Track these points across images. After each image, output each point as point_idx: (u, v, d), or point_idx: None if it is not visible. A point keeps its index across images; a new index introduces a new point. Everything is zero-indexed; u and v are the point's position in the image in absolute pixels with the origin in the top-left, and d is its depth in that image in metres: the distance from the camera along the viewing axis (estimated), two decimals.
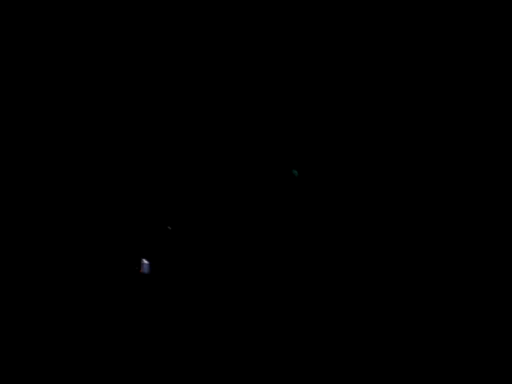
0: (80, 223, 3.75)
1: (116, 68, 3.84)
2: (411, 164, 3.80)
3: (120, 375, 3.55)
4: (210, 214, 3.78)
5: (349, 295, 3.71)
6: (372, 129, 3.81)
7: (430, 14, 3.77)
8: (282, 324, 3.68)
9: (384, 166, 3.81)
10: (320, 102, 3.83)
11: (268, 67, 3.83)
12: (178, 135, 3.84)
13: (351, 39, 3.81)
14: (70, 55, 3.84)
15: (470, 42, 3.77)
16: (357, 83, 3.82)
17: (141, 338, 3.62)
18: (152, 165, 3.82)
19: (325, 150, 3.82)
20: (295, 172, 3.29)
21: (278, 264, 3.76)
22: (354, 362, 3.58)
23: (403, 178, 3.80)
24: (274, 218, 3.78)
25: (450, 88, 3.80)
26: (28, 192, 3.76)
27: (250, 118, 3.83)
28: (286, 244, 3.77)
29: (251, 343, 3.63)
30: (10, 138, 3.80)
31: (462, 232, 3.72)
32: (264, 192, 3.79)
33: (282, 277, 3.75)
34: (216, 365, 3.59)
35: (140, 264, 3.62)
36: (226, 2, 3.81)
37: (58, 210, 3.75)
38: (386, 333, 3.64)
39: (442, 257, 3.72)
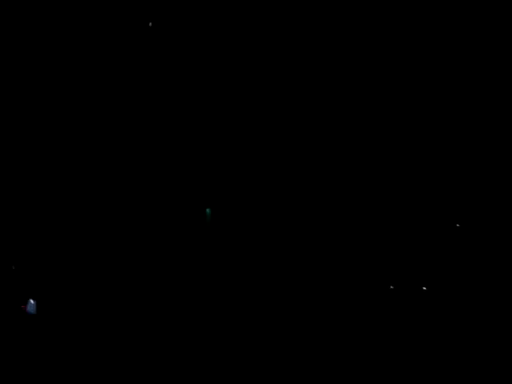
0: (79, 222, 3.75)
1: (116, 68, 3.84)
2: (411, 163, 3.80)
3: (119, 375, 3.55)
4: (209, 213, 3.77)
5: (348, 294, 3.70)
6: (372, 128, 3.81)
7: (429, 14, 3.77)
8: (281, 323, 3.67)
9: (383, 166, 3.80)
10: (320, 102, 3.83)
11: (268, 67, 3.83)
12: (178, 135, 3.84)
13: (351, 39, 3.80)
14: (70, 55, 3.83)
15: (469, 42, 3.77)
16: (357, 83, 3.82)
17: (140, 338, 3.61)
18: (152, 164, 3.82)
19: (324, 150, 3.82)
20: (208, 212, 3.36)
21: (278, 263, 3.75)
22: (353, 362, 3.58)
23: (403, 178, 3.79)
24: (274, 218, 3.78)
25: (450, 88, 3.79)
26: (26, 191, 3.76)
27: (250, 117, 3.82)
28: (286, 243, 3.77)
29: (251, 343, 3.62)
30: (10, 137, 3.80)
31: (461, 231, 3.71)
32: (263, 191, 3.78)
33: (282, 276, 3.75)
34: (216, 365, 3.58)
35: (26, 303, 3.61)
36: (226, 2, 3.81)
37: (55, 209, 3.74)
38: (386, 332, 3.63)
39: (441, 256, 3.71)
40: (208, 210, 3.21)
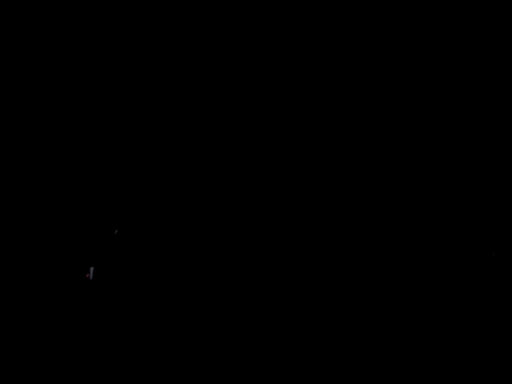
0: (78, 223, 3.75)
1: (116, 68, 3.84)
2: (411, 164, 3.80)
3: (118, 375, 3.55)
4: (208, 214, 3.78)
5: (349, 295, 3.71)
6: (372, 129, 3.81)
7: (429, 14, 3.78)
8: (282, 324, 3.67)
9: (383, 166, 3.80)
10: (320, 102, 3.84)
11: (268, 67, 3.83)
12: (178, 135, 3.84)
13: (351, 39, 3.81)
14: (70, 55, 3.84)
15: (469, 42, 3.77)
16: (357, 83, 3.82)
17: (139, 338, 3.62)
18: (151, 164, 3.82)
19: (324, 150, 3.82)
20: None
21: (278, 264, 3.76)
22: (353, 362, 3.58)
23: (403, 178, 3.80)
24: (273, 219, 3.78)
25: (450, 88, 3.80)
26: (26, 192, 3.76)
27: (250, 118, 3.83)
28: (286, 244, 3.77)
29: (251, 343, 3.63)
30: (10, 137, 3.80)
31: (461, 231, 3.71)
32: (263, 192, 3.78)
33: (282, 277, 3.75)
34: (215, 365, 3.58)
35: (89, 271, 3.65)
36: (226, 2, 3.81)
37: (55, 210, 3.74)
38: (386, 333, 3.63)
39: (441, 256, 3.72)
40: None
